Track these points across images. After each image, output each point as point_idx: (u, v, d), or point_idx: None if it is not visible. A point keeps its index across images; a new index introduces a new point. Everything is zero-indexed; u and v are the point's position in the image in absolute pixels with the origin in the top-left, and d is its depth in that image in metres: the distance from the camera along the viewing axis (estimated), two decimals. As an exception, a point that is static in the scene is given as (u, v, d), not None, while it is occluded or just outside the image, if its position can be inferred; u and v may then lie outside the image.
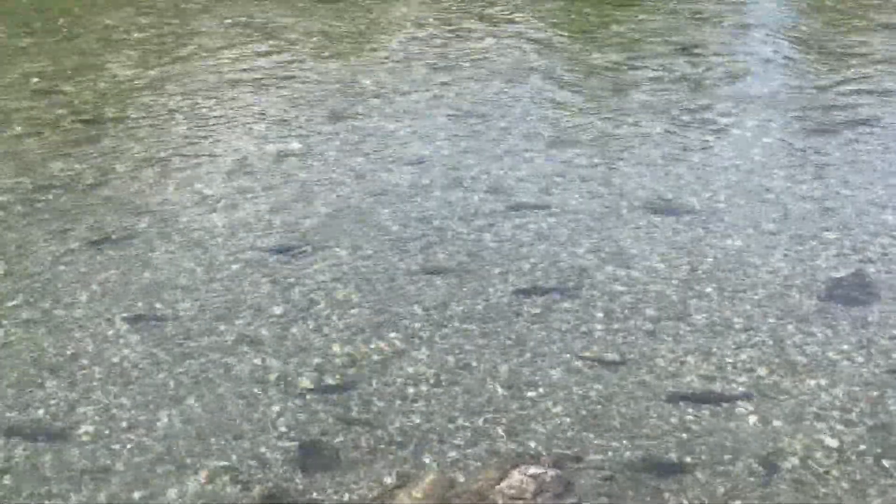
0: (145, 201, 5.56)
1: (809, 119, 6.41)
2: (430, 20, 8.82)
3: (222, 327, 4.41)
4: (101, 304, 4.61)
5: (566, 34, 8.44)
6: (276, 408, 3.90)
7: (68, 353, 4.27)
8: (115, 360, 4.21)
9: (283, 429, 3.79)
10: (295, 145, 6.24)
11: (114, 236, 5.20)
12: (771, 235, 5.01)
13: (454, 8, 9.18)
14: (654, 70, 7.37)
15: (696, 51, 7.83)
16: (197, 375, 4.10)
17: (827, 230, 5.04)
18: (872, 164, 5.74)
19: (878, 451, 3.56)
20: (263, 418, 3.84)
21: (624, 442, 3.66)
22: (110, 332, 4.40)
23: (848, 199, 5.34)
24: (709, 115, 6.52)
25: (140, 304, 4.60)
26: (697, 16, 8.78)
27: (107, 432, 3.79)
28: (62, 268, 4.92)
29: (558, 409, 3.84)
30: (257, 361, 4.18)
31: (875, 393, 3.85)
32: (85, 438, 3.77)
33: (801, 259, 4.79)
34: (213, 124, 6.63)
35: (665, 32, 8.28)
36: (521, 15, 9.00)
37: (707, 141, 6.13)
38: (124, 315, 4.52)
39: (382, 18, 8.98)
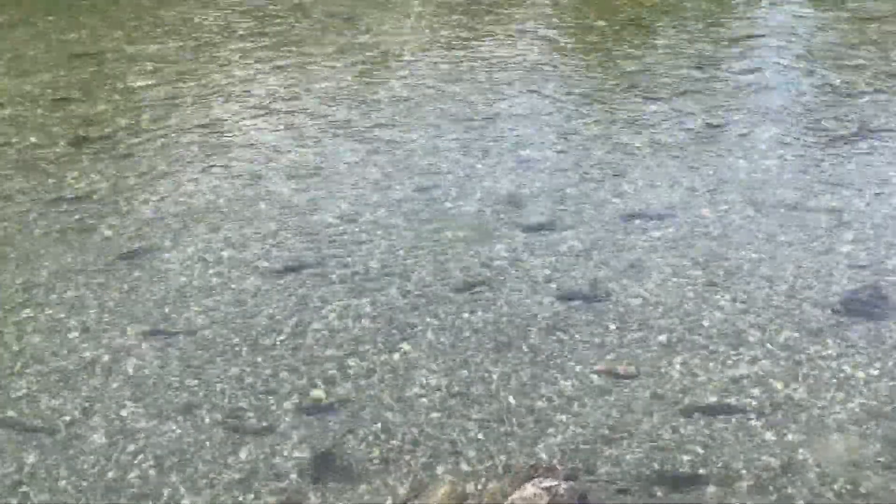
0: (159, 213, 5.58)
1: (824, 131, 6.39)
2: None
3: (235, 339, 4.41)
4: (115, 315, 4.62)
5: (580, 45, 8.44)
6: (288, 419, 3.91)
7: (84, 362, 4.28)
8: (130, 370, 4.23)
9: (295, 439, 3.79)
10: (310, 157, 6.26)
11: (128, 247, 5.22)
12: (786, 247, 4.99)
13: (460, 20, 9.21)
14: (668, 81, 7.36)
15: (710, 62, 7.82)
16: (209, 385, 4.11)
17: (842, 242, 5.02)
18: (888, 177, 5.72)
19: (892, 463, 3.54)
20: (276, 428, 3.85)
21: (637, 454, 3.65)
22: (124, 343, 4.41)
23: (863, 212, 5.32)
24: (723, 127, 6.50)
25: (154, 315, 4.62)
26: (711, 28, 8.77)
27: (120, 440, 3.81)
28: (75, 277, 4.94)
29: (571, 421, 3.83)
30: (269, 371, 4.19)
31: (890, 407, 3.83)
32: (96, 445, 3.78)
33: (816, 271, 4.77)
34: (229, 136, 6.65)
35: (678, 44, 8.27)
36: (533, 26, 9.01)
37: (721, 152, 6.11)
38: (139, 327, 4.53)
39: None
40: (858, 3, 9.42)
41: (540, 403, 3.93)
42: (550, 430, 3.79)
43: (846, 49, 8.04)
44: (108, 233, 5.37)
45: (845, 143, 6.18)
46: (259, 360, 4.26)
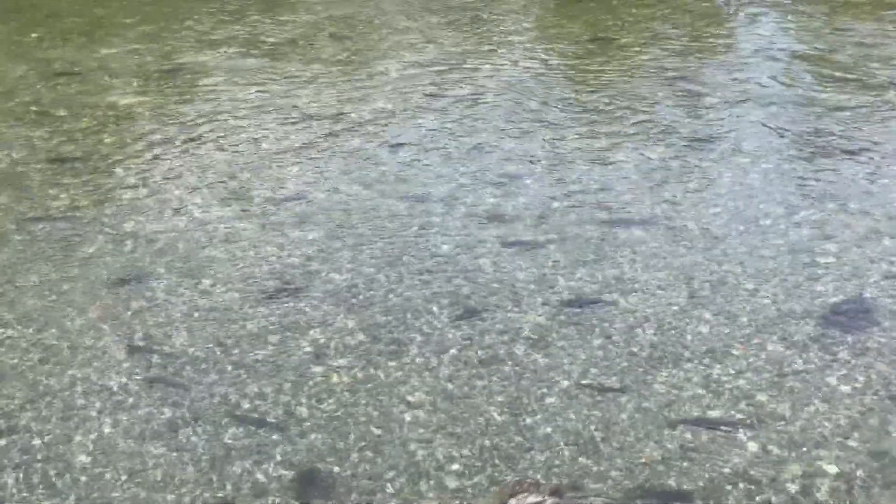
0: (144, 230, 5.55)
1: (808, 144, 6.42)
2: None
3: (219, 355, 4.39)
4: (98, 332, 4.59)
5: (562, 59, 8.47)
6: (274, 436, 3.88)
7: (64, 381, 4.25)
8: (114, 388, 4.20)
9: (279, 457, 3.77)
10: (294, 170, 6.26)
11: (111, 266, 5.20)
12: (769, 261, 5.00)
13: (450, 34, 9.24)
14: (650, 94, 7.39)
15: (693, 76, 7.86)
16: (194, 403, 4.08)
17: (826, 256, 5.04)
18: (871, 190, 5.75)
19: (879, 478, 3.54)
20: (261, 446, 3.82)
21: (623, 470, 3.64)
22: (107, 361, 4.38)
23: (847, 225, 5.34)
24: (706, 140, 6.53)
25: (138, 333, 4.59)
26: (693, 42, 8.82)
27: (103, 461, 3.78)
28: (57, 297, 4.91)
29: (557, 436, 3.82)
30: (254, 389, 4.16)
31: (875, 420, 3.83)
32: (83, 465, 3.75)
33: (799, 285, 4.78)
34: (210, 151, 6.64)
35: (660, 57, 8.32)
36: (517, 41, 9.05)
37: (705, 166, 6.13)
38: (122, 343, 4.50)
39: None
40: (840, 17, 9.49)
41: (525, 419, 3.92)
42: (536, 445, 3.77)
43: (829, 62, 8.09)
44: (91, 250, 5.34)
45: (828, 157, 6.21)
46: (244, 376, 4.24)
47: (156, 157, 6.54)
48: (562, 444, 3.77)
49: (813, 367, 4.17)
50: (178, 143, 6.78)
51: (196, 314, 4.70)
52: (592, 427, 3.86)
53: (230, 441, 3.85)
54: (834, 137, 6.49)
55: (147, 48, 9.01)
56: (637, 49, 8.61)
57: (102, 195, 6.00)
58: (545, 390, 4.08)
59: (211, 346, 4.45)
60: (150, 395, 4.13)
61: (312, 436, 3.85)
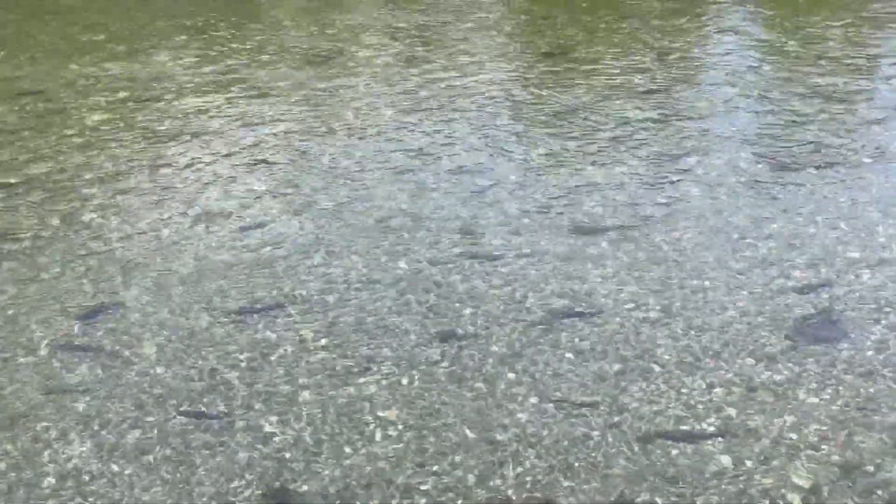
0: (111, 249, 5.50)
1: (774, 158, 6.47)
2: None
3: (191, 373, 4.35)
4: (61, 351, 4.54)
5: (531, 75, 8.49)
6: (242, 455, 3.85)
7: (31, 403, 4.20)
8: (80, 409, 4.15)
9: (248, 476, 3.73)
10: (262, 187, 6.23)
11: (79, 288, 5.15)
12: (738, 274, 5.03)
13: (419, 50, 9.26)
14: (618, 109, 7.43)
15: (661, 90, 7.91)
16: (163, 424, 4.04)
17: (794, 268, 5.07)
18: (837, 202, 5.79)
19: (849, 488, 3.55)
20: (229, 466, 3.78)
21: (595, 484, 3.63)
22: (72, 380, 4.33)
23: (814, 237, 5.38)
24: (675, 154, 6.56)
25: (106, 349, 4.54)
26: (661, 56, 8.88)
27: (69, 483, 3.73)
28: (24, 317, 4.86)
29: (529, 452, 3.81)
30: (223, 409, 4.13)
31: (844, 431, 3.85)
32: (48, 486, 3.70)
33: (768, 297, 4.81)
34: (179, 170, 6.59)
35: (630, 72, 8.36)
36: (487, 57, 9.08)
37: (674, 179, 6.17)
38: (86, 359, 4.45)
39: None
40: (808, 30, 9.60)
41: (498, 435, 3.91)
42: (508, 461, 3.76)
43: (796, 76, 8.17)
44: (57, 270, 5.29)
45: (796, 170, 6.26)
46: (211, 396, 4.20)
47: (122, 175, 6.49)
48: (533, 459, 3.76)
49: (783, 379, 4.19)
50: (145, 161, 6.73)
51: (164, 332, 4.66)
52: (565, 442, 3.85)
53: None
54: (802, 149, 6.54)
55: (114, 66, 8.96)
56: (606, 63, 8.65)
57: (67, 213, 5.94)
58: (516, 405, 4.07)
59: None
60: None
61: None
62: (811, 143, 6.69)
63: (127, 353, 4.52)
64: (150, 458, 3.85)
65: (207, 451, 3.87)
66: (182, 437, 3.95)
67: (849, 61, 8.58)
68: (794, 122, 7.12)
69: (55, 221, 5.85)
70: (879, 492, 3.55)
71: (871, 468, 3.65)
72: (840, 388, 4.11)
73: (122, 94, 8.17)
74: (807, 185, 6.04)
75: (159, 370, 4.38)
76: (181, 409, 4.12)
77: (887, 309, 4.67)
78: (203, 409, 4.12)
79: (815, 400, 4.05)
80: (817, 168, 6.27)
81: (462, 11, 10.84)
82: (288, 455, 3.83)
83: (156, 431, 3.99)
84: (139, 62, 9.11)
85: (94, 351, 4.53)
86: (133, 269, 5.25)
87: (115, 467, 3.80)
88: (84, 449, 3.90)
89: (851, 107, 7.41)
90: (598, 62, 8.73)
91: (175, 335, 4.64)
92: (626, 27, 9.90)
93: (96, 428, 4.02)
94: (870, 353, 4.35)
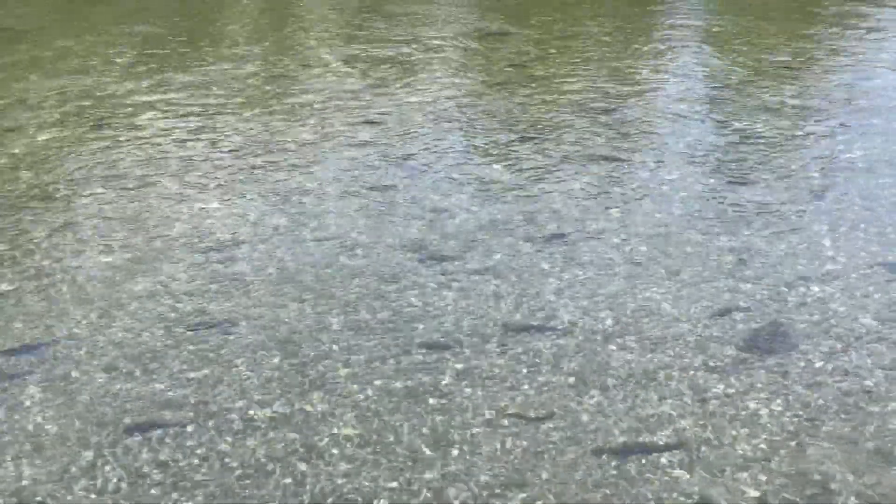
0: (61, 269, 5.44)
1: (726, 171, 6.57)
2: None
3: (140, 392, 4.30)
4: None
5: (487, 92, 8.55)
6: (196, 476, 3.81)
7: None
8: (30, 427, 4.08)
9: (200, 498, 3.69)
10: (214, 205, 6.19)
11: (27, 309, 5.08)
12: (690, 287, 5.08)
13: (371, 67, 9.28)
14: (573, 126, 7.50)
15: (615, 106, 8.00)
16: (116, 440, 3.99)
17: (744, 281, 5.14)
18: (785, 215, 5.89)
19: (799, 499, 3.60)
20: (180, 481, 3.75)
21: (550, 498, 3.64)
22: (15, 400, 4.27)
23: (763, 250, 5.46)
24: (628, 170, 6.64)
25: (46, 365, 4.48)
26: (615, 73, 8.98)
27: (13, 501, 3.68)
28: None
29: (483, 466, 3.81)
30: (176, 429, 4.08)
31: (794, 442, 3.91)
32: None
33: (720, 310, 4.87)
34: (130, 190, 6.54)
35: (583, 89, 8.45)
36: (440, 73, 9.12)
37: (626, 194, 6.23)
38: (25, 375, 4.39)
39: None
40: (759, 47, 9.77)
41: (452, 450, 3.91)
42: (462, 476, 3.76)
43: (746, 91, 8.30)
44: (6, 287, 5.21)
45: (745, 183, 6.36)
46: (163, 412, 4.16)
47: (74, 195, 6.42)
48: (488, 474, 3.76)
49: (733, 391, 4.23)
50: (98, 179, 6.66)
51: (113, 352, 4.61)
52: (519, 457, 3.86)
53: (152, 481, 3.77)
54: (751, 165, 6.65)
55: (67, 82, 8.87)
56: (561, 80, 8.73)
57: (17, 233, 5.86)
58: (471, 420, 4.08)
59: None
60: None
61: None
62: (760, 156, 6.79)
63: (75, 374, 4.46)
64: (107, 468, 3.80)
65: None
66: (134, 457, 3.91)
67: (798, 77, 8.74)
68: (744, 135, 7.23)
69: (3, 241, 5.77)
70: (829, 502, 3.60)
71: (819, 478, 3.70)
72: (790, 398, 4.17)
73: (74, 110, 8.09)
74: (756, 198, 6.13)
75: (109, 390, 4.33)
76: (130, 427, 4.07)
77: (834, 321, 4.75)
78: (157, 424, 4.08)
79: (766, 411, 4.10)
80: (766, 182, 6.37)
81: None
82: (238, 472, 3.81)
83: (105, 452, 3.94)
84: (90, 78, 9.02)
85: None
86: (81, 289, 5.19)
87: (65, 488, 3.75)
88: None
89: (800, 122, 7.55)
90: (554, 78, 8.80)
91: (126, 353, 4.59)
92: (580, 45, 9.99)
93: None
94: (819, 364, 4.42)
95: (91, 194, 6.40)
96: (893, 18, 11.13)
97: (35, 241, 5.74)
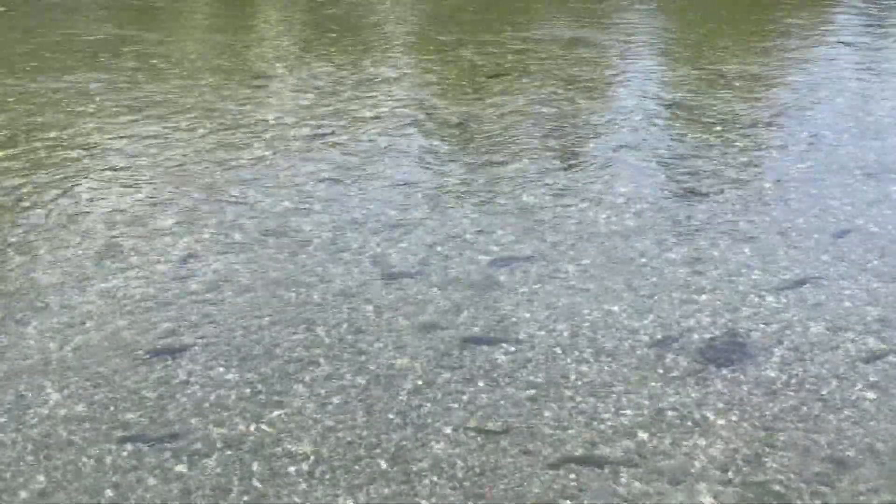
0: (12, 286, 5.36)
1: (678, 184, 6.64)
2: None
3: (97, 411, 4.24)
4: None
5: (444, 104, 8.56)
6: (149, 496, 3.76)
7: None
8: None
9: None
10: (170, 222, 6.12)
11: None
12: (645, 299, 5.12)
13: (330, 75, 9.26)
14: (528, 139, 7.54)
15: (570, 118, 8.06)
16: (68, 463, 3.92)
17: (699, 292, 5.19)
18: (739, 226, 5.96)
19: (756, 508, 3.64)
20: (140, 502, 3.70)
21: (509, 512, 3.65)
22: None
23: (717, 261, 5.52)
24: (582, 182, 6.68)
25: (8, 389, 4.40)
26: (570, 85, 9.04)
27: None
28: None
29: (443, 481, 3.80)
30: (130, 448, 4.02)
31: (750, 451, 3.94)
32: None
33: (675, 321, 4.91)
34: (84, 208, 6.46)
35: (538, 102, 8.49)
36: (397, 88, 9.13)
37: (581, 207, 6.27)
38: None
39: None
40: (711, 59, 9.90)
41: (411, 466, 3.89)
42: (423, 492, 3.75)
43: (699, 104, 8.41)
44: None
45: (698, 195, 6.43)
46: (119, 433, 4.10)
47: (24, 212, 6.32)
48: (448, 489, 3.75)
49: (690, 401, 4.27)
50: (48, 198, 6.57)
51: (70, 373, 4.53)
52: (478, 470, 3.85)
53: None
54: (704, 177, 6.72)
55: (15, 100, 8.75)
56: (515, 94, 8.77)
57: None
58: (431, 436, 4.07)
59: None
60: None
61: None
62: (714, 168, 6.88)
63: (30, 395, 4.39)
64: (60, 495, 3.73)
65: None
66: (93, 478, 3.84)
67: (750, 90, 8.86)
68: (696, 149, 7.32)
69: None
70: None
71: (777, 488, 3.74)
72: (746, 408, 4.21)
73: (24, 128, 7.97)
74: (710, 209, 6.20)
75: (64, 412, 4.26)
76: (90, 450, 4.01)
77: (788, 331, 4.81)
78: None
79: (722, 421, 4.13)
80: (720, 193, 6.45)
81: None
82: (197, 493, 3.76)
83: (68, 469, 3.88)
84: (36, 84, 8.90)
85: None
86: (29, 306, 5.11)
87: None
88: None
89: (753, 133, 7.65)
90: (510, 92, 8.84)
91: (79, 375, 4.52)
92: (535, 57, 10.05)
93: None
94: (774, 373, 4.46)
95: (38, 207, 6.31)
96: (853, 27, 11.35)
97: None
